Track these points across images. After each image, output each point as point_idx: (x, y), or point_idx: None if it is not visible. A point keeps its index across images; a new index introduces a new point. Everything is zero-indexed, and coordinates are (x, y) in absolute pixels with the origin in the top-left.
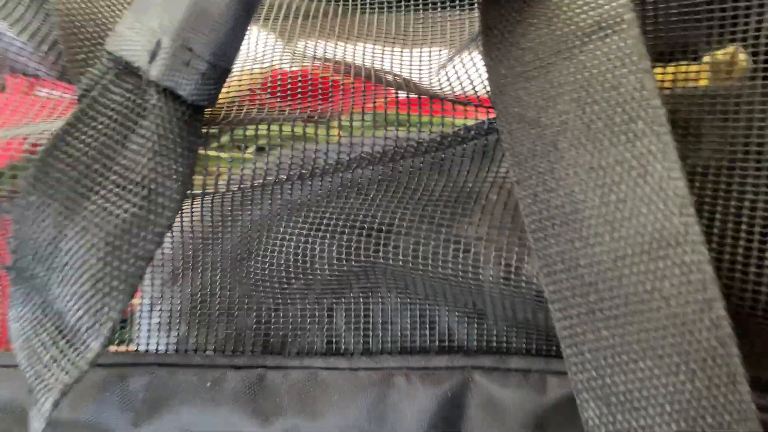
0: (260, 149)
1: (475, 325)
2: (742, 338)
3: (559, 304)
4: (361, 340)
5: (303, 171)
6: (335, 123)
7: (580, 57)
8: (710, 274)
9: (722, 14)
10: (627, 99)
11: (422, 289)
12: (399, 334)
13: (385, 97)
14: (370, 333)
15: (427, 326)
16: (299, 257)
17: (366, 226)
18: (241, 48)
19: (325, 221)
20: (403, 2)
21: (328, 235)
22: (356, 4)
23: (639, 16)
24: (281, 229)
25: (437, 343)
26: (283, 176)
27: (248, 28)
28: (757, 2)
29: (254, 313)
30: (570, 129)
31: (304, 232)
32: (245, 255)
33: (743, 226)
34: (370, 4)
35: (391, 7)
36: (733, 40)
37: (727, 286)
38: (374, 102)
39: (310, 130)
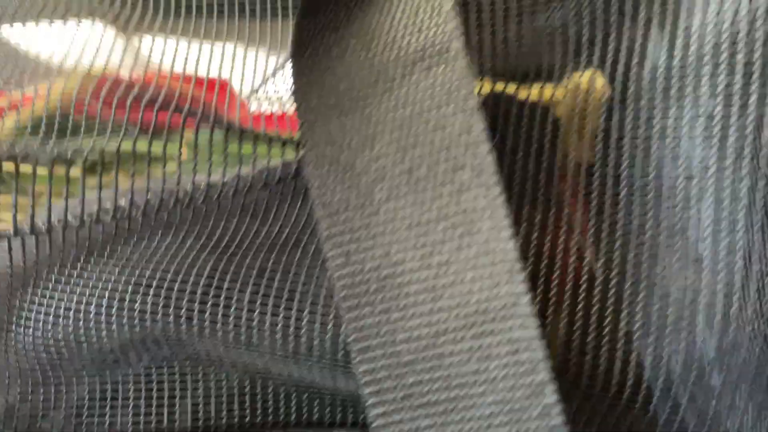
0: (92, 166)
1: (294, 396)
2: (576, 419)
3: (373, 387)
4: (153, 420)
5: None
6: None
7: (402, 90)
8: (541, 352)
9: (578, 36)
10: (453, 143)
11: (238, 360)
12: (200, 410)
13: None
14: (164, 411)
15: (234, 399)
16: (70, 320)
17: (154, 283)
18: (66, 42)
19: (104, 276)
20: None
21: (106, 293)
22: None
23: (488, 36)
24: (50, 284)
25: (246, 419)
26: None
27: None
28: (615, 25)
29: (19, 394)
30: (389, 176)
31: (78, 289)
32: (5, 317)
33: (581, 291)
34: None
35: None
36: (590, 64)
37: (562, 361)
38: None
39: (155, 148)
